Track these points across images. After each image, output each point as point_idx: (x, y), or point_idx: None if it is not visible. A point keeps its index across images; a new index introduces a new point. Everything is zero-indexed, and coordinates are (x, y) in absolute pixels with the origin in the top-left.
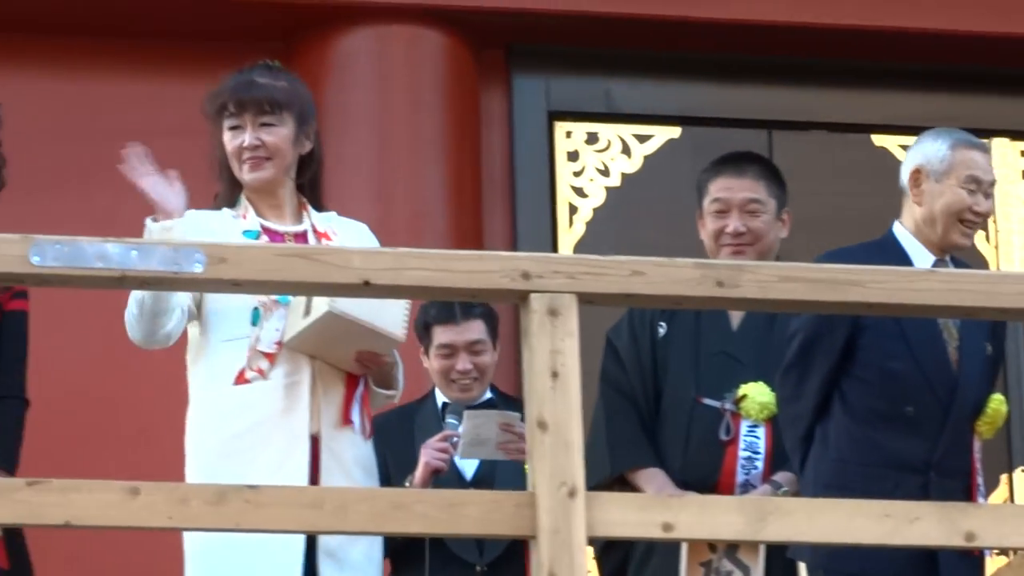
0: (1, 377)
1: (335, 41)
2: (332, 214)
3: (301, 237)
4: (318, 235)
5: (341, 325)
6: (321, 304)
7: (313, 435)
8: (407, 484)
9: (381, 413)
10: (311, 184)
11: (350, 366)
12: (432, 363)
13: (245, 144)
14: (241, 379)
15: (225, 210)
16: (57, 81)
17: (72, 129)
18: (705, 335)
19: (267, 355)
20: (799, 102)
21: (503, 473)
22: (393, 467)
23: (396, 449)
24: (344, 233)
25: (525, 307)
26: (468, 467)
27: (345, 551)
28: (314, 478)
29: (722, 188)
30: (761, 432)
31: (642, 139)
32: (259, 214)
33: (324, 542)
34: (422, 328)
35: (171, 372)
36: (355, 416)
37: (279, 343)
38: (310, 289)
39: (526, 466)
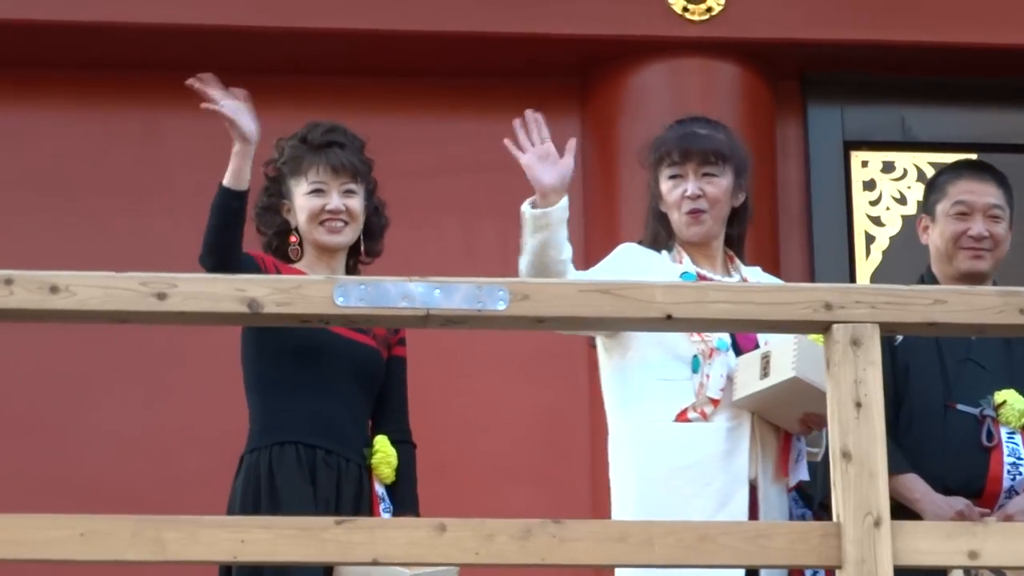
0: (394, 422)
1: (629, 76)
2: (757, 269)
3: None
4: None
5: (801, 389)
6: (783, 367)
7: (751, 481)
8: None
9: None
10: (739, 237)
11: (790, 425)
12: None
13: (688, 193)
14: (682, 417)
15: (664, 252)
16: (357, 119)
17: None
18: (946, 342)
19: (713, 400)
20: None
21: None
22: None
23: None
24: None
25: (828, 338)
26: None
27: None
28: None
29: (965, 191)
30: (1018, 439)
31: (939, 167)
32: (693, 262)
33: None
34: None
35: (469, 408)
36: (791, 469)
37: (723, 388)
38: (614, 325)
39: None
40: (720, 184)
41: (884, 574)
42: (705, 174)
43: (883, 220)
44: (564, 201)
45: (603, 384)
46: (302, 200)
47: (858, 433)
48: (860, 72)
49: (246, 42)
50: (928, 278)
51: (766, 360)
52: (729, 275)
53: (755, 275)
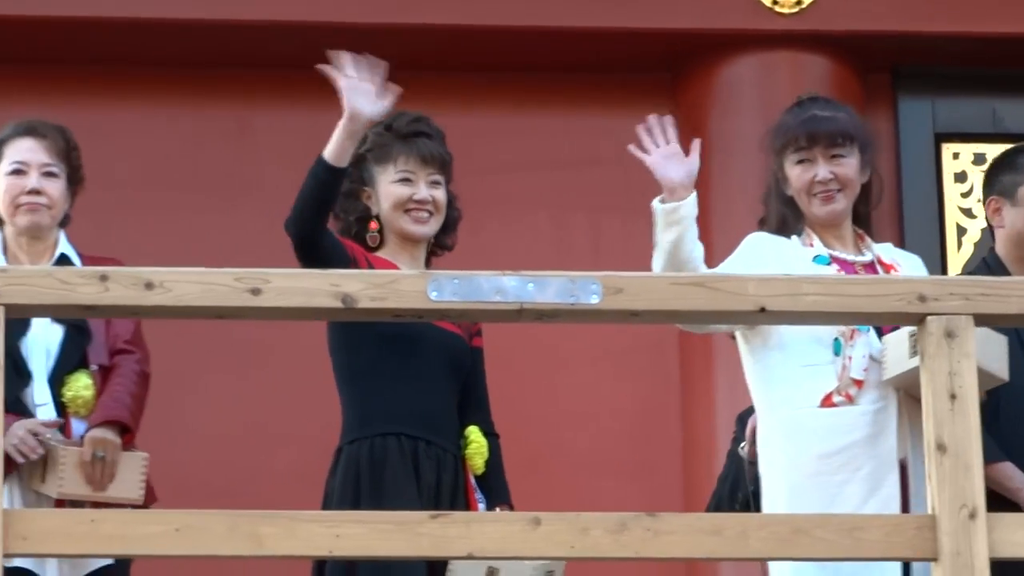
0: (481, 414)
1: (720, 69)
2: (888, 245)
3: (870, 267)
4: (884, 266)
5: None
6: None
7: (901, 461)
8: (740, 451)
9: None
10: (867, 214)
11: None
12: None
13: (818, 178)
14: (827, 402)
15: (794, 237)
16: (447, 115)
17: (460, 162)
18: None
19: (857, 382)
20: None
21: None
22: None
23: None
24: (905, 264)
25: (922, 330)
26: None
27: None
28: (904, 505)
29: None
30: None
31: None
32: (824, 243)
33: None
34: None
35: (561, 402)
36: None
37: (866, 369)
38: (707, 317)
39: None
40: (850, 164)
41: (980, 567)
42: (834, 156)
43: (974, 212)
44: (694, 197)
45: (746, 374)
46: (388, 188)
47: (953, 425)
48: (951, 64)
49: (341, 38)
50: (992, 261)
51: (913, 338)
52: (861, 253)
53: (888, 251)
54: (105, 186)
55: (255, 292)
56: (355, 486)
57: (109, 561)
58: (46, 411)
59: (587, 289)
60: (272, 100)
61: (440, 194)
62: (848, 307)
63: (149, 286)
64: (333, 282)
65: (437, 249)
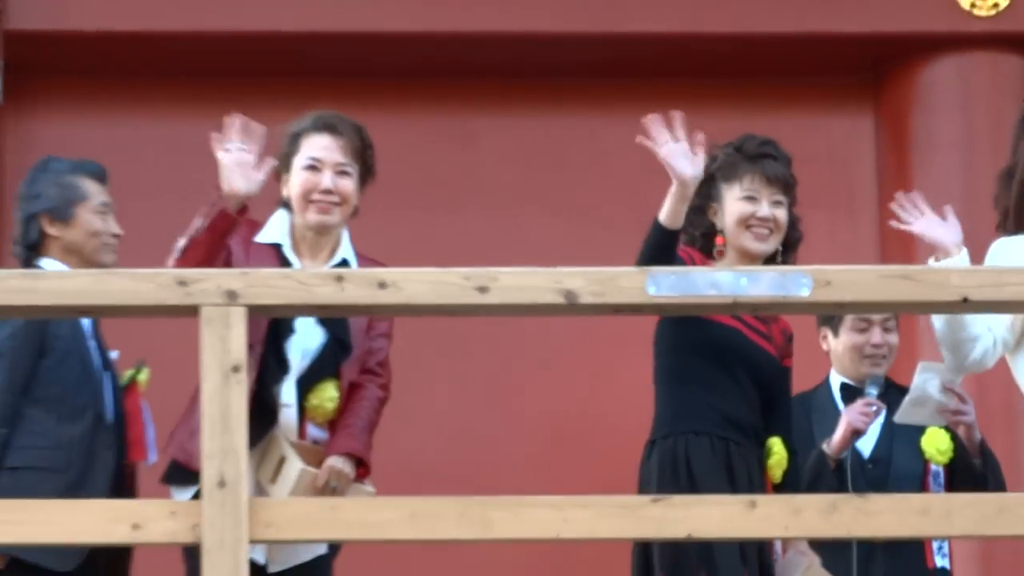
0: (785, 429)
1: (919, 71)
2: None
3: None
4: None
5: None
6: None
7: None
8: (824, 447)
9: None
10: None
11: None
12: (845, 339)
13: None
14: None
15: None
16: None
17: None
18: None
19: None
20: None
21: (900, 452)
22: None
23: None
24: None
25: None
26: (865, 446)
27: None
28: None
29: None
30: None
31: None
32: None
33: None
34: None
35: None
36: None
37: None
38: (912, 308)
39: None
40: None
41: None
42: None
43: None
44: (965, 254)
45: (1015, 378)
46: (734, 205)
47: None
48: None
49: (550, 46)
50: None
51: None
52: None
53: None
54: None
55: (482, 290)
56: (672, 476)
57: (321, 551)
58: (290, 412)
59: (798, 282)
60: (494, 107)
61: (782, 214)
62: None
63: (382, 286)
64: (556, 279)
65: None
